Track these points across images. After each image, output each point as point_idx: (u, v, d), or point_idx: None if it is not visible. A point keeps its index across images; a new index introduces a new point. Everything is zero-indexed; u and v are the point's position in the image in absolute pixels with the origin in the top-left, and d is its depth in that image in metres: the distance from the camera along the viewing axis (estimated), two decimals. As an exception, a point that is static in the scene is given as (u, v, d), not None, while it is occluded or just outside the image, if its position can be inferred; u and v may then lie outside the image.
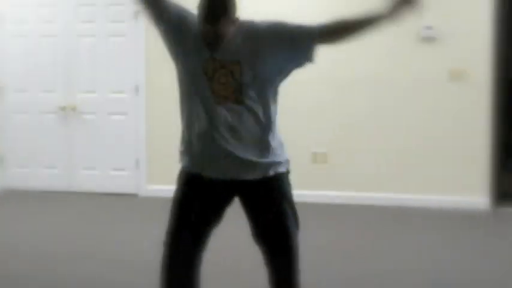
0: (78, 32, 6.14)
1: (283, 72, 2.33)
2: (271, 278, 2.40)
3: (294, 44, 2.25)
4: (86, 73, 6.14)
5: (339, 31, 2.28)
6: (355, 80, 5.71)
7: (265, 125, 2.27)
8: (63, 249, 4.10)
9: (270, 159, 2.30)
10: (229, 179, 2.28)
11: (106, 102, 6.13)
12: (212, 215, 2.35)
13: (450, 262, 3.85)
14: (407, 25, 5.55)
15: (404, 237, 4.48)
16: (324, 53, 6.00)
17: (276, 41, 2.24)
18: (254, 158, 2.26)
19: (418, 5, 2.16)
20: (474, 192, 5.53)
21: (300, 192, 5.86)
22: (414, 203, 5.59)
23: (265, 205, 2.32)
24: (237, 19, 2.22)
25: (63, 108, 6.20)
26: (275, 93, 2.34)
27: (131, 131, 6.10)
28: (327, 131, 5.80)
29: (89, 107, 6.16)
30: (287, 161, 2.41)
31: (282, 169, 2.36)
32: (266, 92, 2.27)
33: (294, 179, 6.19)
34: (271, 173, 2.31)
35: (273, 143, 2.31)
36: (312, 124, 5.82)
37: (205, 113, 2.22)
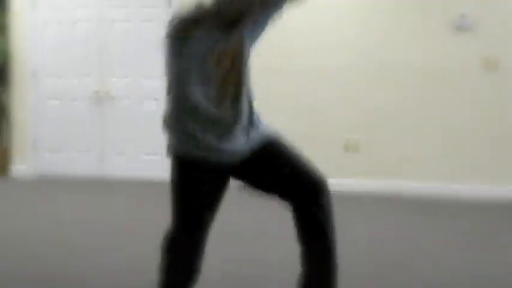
0: (112, 17, 6.15)
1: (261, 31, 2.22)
2: (298, 222, 2.25)
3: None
4: (119, 58, 6.15)
5: None
6: (388, 67, 5.64)
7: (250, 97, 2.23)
8: (93, 235, 4.08)
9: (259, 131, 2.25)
10: (231, 160, 2.20)
11: (139, 87, 6.14)
12: (216, 199, 2.28)
13: (471, 254, 3.75)
14: (441, 13, 5.52)
15: (433, 227, 4.39)
16: (356, 39, 5.99)
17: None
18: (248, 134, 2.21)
19: None
20: (506, 182, 5.45)
21: (332, 181, 5.89)
22: (445, 191, 5.52)
23: (270, 163, 2.22)
24: None
25: (96, 94, 6.22)
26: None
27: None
28: (359, 118, 5.73)
29: (122, 93, 6.18)
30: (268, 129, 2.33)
31: (268, 134, 2.28)
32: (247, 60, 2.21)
33: (326, 167, 6.13)
34: (261, 141, 2.25)
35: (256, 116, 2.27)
36: (344, 111, 5.75)
37: (205, 92, 2.15)
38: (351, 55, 5.71)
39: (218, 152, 2.16)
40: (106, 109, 6.23)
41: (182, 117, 2.17)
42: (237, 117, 2.15)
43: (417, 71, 5.60)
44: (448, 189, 5.54)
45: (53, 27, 6.29)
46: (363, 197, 5.33)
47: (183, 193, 2.23)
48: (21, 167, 6.41)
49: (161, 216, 4.51)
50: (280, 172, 2.21)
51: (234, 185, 5.76)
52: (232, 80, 2.13)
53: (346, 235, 3.96)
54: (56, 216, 4.49)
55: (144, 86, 6.12)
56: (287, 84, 5.78)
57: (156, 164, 6.14)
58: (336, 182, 5.74)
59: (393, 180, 5.67)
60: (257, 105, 5.90)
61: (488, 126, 5.49)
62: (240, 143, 2.17)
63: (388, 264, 3.32)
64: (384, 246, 3.71)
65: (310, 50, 5.76)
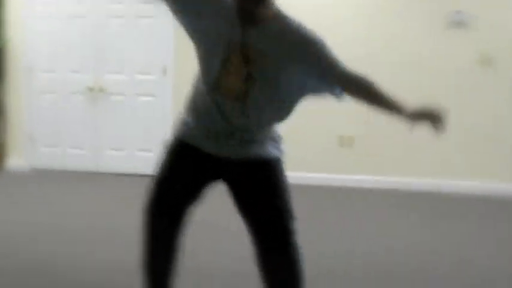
0: (107, 13, 6.15)
1: (303, 90, 2.15)
2: (266, 278, 2.20)
3: (319, 74, 2.09)
4: (114, 54, 6.16)
5: (356, 90, 2.07)
6: (383, 63, 5.67)
7: (264, 124, 2.18)
8: (88, 229, 4.12)
9: (265, 146, 2.23)
10: (224, 156, 2.21)
11: (134, 83, 6.16)
12: (198, 190, 2.28)
13: (469, 248, 3.81)
14: (437, 9, 5.53)
15: (427, 222, 4.45)
16: (352, 35, 5.96)
17: (303, 60, 2.09)
18: (250, 143, 2.20)
19: (439, 126, 1.99)
20: (501, 178, 5.49)
21: (326, 176, 5.94)
22: (439, 187, 5.57)
23: (256, 188, 2.18)
24: (277, 9, 2.09)
25: (91, 89, 6.24)
26: (290, 107, 2.17)
27: (158, 112, 6.12)
28: (354, 114, 5.77)
29: (117, 88, 6.20)
30: (281, 151, 2.31)
31: (275, 155, 2.23)
32: (278, 100, 2.11)
33: (320, 162, 6.15)
34: (263, 156, 2.20)
35: (269, 133, 2.24)
36: (338, 107, 5.79)
37: (211, 96, 2.12)
38: (346, 50, 5.74)
39: (218, 146, 2.18)
40: (101, 104, 6.25)
41: (196, 107, 2.19)
42: (237, 122, 2.14)
43: (412, 67, 5.63)
44: (443, 185, 5.59)
45: (47, 22, 6.29)
46: (359, 192, 5.37)
47: (169, 174, 2.24)
48: (16, 161, 6.44)
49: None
50: (261, 202, 2.16)
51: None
52: (239, 83, 2.06)
53: (340, 230, 4.01)
54: (51, 211, 4.53)
55: (139, 82, 6.14)
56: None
57: (150, 160, 6.18)
58: (331, 177, 5.79)
59: (388, 175, 5.72)
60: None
61: (483, 123, 5.54)
62: (236, 147, 2.18)
63: (380, 259, 3.37)
64: (376, 241, 3.76)
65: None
